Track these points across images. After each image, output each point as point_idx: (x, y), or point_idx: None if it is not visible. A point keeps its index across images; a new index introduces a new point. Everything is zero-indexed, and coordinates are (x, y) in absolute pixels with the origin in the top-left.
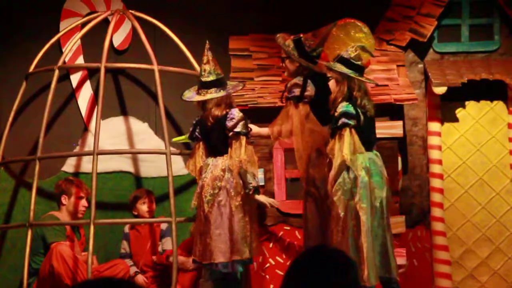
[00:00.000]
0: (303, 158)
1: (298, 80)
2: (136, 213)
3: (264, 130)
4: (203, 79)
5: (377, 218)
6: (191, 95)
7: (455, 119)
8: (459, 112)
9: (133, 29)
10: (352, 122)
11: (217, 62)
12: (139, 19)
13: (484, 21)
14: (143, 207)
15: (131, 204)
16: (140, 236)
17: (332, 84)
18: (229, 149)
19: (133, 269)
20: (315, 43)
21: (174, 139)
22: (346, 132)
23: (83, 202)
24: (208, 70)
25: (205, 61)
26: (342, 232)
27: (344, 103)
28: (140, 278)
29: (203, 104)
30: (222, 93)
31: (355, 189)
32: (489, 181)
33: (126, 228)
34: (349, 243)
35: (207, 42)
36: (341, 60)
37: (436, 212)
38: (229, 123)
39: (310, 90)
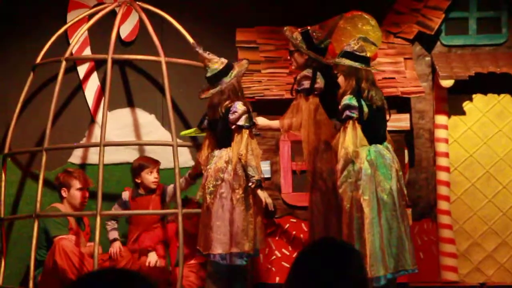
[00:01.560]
0: (311, 151)
1: (308, 72)
2: (139, 181)
3: (275, 123)
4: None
5: (388, 210)
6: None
7: (462, 112)
8: (466, 105)
9: (140, 20)
10: (354, 115)
11: (205, 57)
12: (146, 11)
13: (492, 14)
14: (150, 177)
15: (135, 171)
16: (141, 207)
17: (341, 80)
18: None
19: (113, 235)
20: (323, 35)
21: (183, 133)
22: (349, 125)
23: (84, 193)
24: (205, 68)
25: (201, 62)
26: (348, 225)
27: (347, 96)
28: (117, 245)
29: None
30: (215, 90)
31: (359, 182)
32: (495, 175)
33: (126, 197)
34: (354, 236)
35: (192, 42)
36: (346, 54)
37: (442, 205)
38: (231, 116)
39: (320, 82)
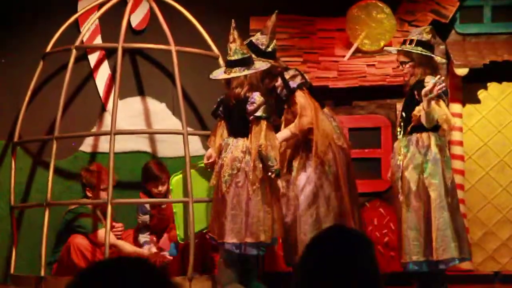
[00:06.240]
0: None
1: (294, 71)
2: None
3: (286, 132)
4: (229, 57)
5: (451, 197)
6: (218, 74)
7: (477, 101)
8: (481, 94)
9: (151, 9)
10: (444, 93)
11: (243, 41)
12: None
13: (507, 2)
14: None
15: None
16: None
17: (408, 68)
18: (250, 133)
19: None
20: (267, 39)
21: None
22: (442, 101)
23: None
24: (234, 49)
25: (231, 40)
26: (415, 207)
27: (436, 77)
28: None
29: (227, 83)
30: (245, 72)
31: (425, 165)
32: (510, 163)
33: None
34: (421, 217)
35: (233, 21)
36: (419, 43)
37: None
38: (250, 107)
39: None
